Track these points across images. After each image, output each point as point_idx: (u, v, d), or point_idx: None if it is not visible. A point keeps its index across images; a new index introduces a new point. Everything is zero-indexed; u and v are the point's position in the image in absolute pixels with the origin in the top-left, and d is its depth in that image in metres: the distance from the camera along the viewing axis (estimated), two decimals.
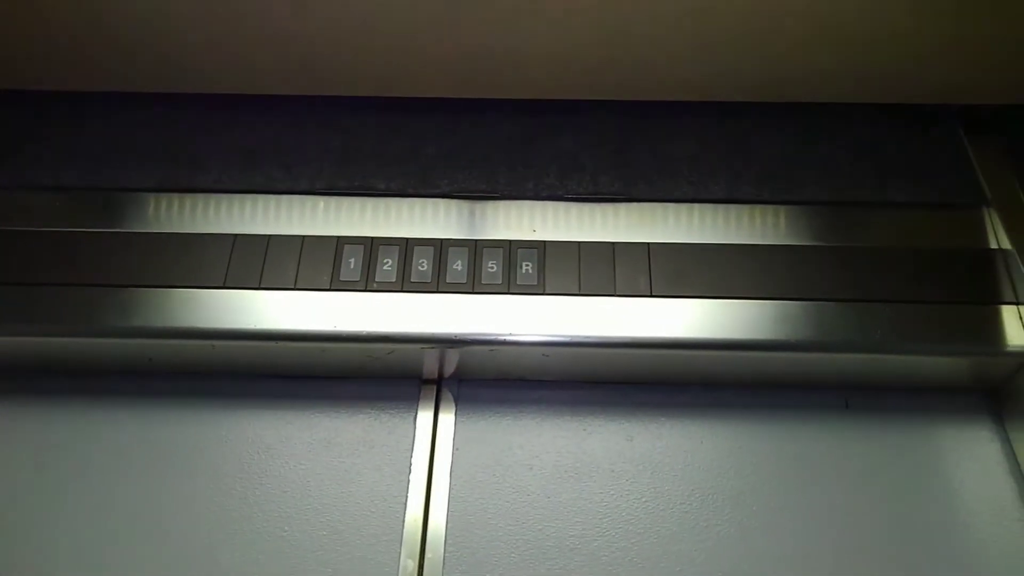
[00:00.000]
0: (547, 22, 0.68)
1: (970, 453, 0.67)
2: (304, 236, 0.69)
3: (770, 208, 0.72)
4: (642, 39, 0.70)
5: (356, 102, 0.76)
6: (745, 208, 0.71)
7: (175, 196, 0.72)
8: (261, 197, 0.72)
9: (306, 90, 0.75)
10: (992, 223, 0.70)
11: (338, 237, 0.69)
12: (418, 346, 0.66)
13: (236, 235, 0.69)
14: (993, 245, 0.69)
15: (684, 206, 0.71)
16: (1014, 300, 0.66)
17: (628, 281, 0.67)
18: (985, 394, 0.69)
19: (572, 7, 0.67)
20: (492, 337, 0.65)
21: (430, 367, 0.69)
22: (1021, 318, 0.65)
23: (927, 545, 0.63)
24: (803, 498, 0.65)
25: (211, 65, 0.73)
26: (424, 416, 0.69)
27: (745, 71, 0.73)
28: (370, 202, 0.72)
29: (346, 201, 0.72)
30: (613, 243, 0.69)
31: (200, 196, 0.72)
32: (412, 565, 0.62)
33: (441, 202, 0.72)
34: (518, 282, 0.67)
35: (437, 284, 0.67)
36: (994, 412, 0.68)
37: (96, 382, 0.70)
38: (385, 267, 0.68)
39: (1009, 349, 0.65)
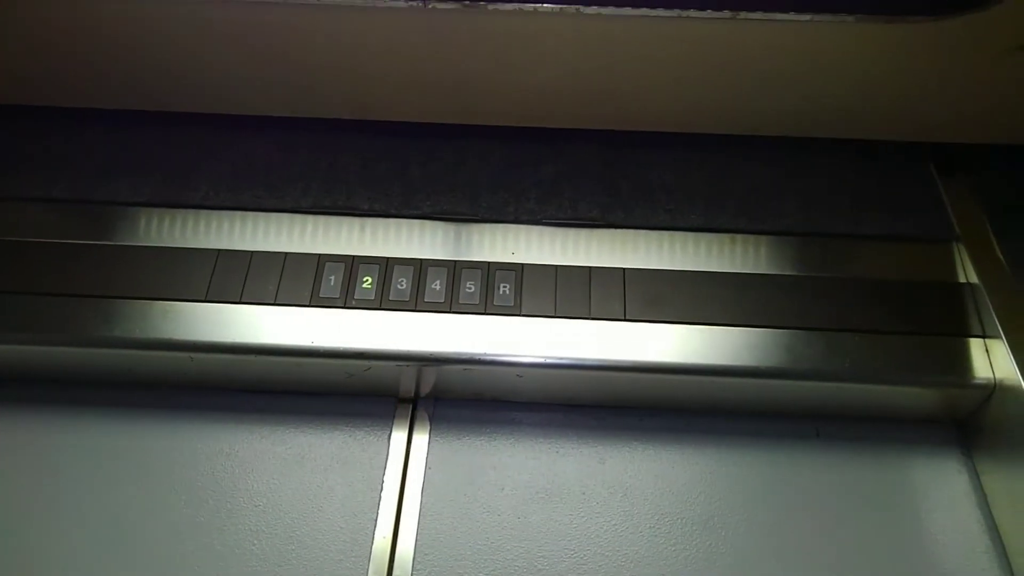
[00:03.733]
0: (533, 54, 0.71)
1: (938, 484, 0.67)
2: (287, 253, 0.71)
3: (746, 238, 0.73)
4: (624, 73, 0.72)
5: (343, 125, 0.78)
6: (722, 237, 0.73)
7: (162, 211, 0.73)
8: (247, 214, 0.74)
9: (295, 112, 0.77)
10: (961, 258, 0.72)
11: (320, 255, 0.71)
12: (394, 363, 0.67)
13: (220, 250, 0.71)
14: (962, 279, 0.70)
15: (660, 233, 0.73)
16: (981, 333, 0.67)
17: (603, 305, 0.68)
18: (954, 426, 0.70)
19: (557, 40, 0.69)
20: (468, 356, 0.66)
21: (406, 386, 0.70)
22: (987, 351, 0.66)
23: (895, 574, 0.63)
24: (772, 524, 0.65)
25: (202, 86, 0.75)
26: (398, 434, 0.69)
27: (723, 105, 0.75)
28: (352, 222, 0.73)
29: (329, 220, 0.73)
30: (590, 267, 0.70)
31: (187, 212, 0.73)
32: None
33: (424, 224, 0.74)
34: (495, 303, 0.68)
35: (415, 303, 0.68)
36: (962, 444, 0.69)
37: (75, 392, 0.70)
38: (364, 285, 0.69)
39: (976, 381, 0.65)
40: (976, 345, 0.67)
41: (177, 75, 0.74)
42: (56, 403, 0.70)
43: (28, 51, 0.72)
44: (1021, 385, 0.63)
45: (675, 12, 0.65)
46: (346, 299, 0.68)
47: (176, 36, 0.70)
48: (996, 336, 0.66)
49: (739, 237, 0.73)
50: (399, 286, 0.69)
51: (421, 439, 0.69)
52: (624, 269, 0.70)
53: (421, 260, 0.71)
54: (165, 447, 0.68)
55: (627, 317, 0.68)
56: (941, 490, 0.67)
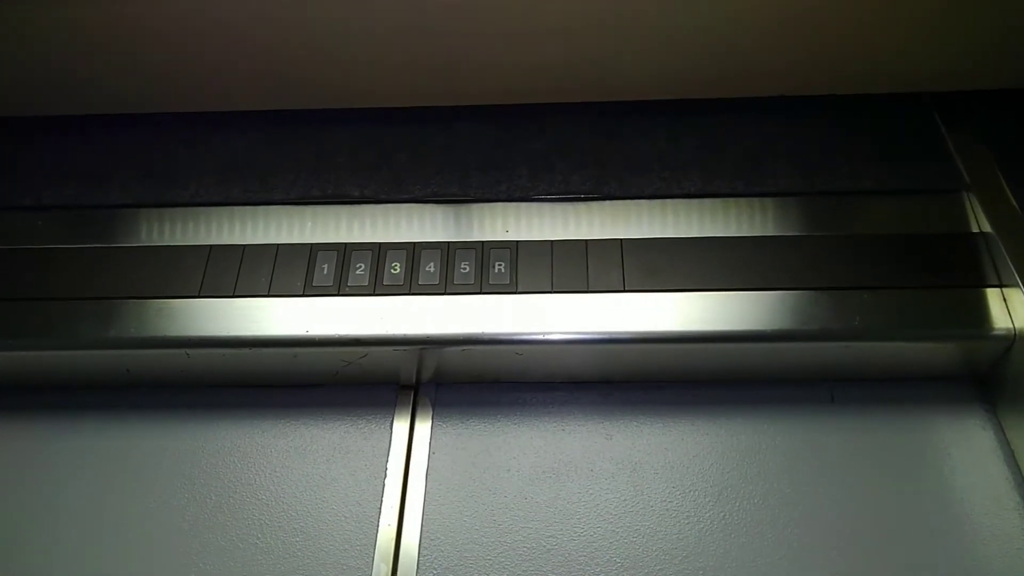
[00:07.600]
0: (514, 29, 0.69)
1: (962, 443, 0.65)
2: (279, 244, 0.70)
3: (745, 200, 0.71)
4: (609, 40, 0.70)
5: (329, 114, 0.77)
6: (719, 201, 0.71)
7: (153, 211, 0.73)
8: (237, 209, 0.73)
9: (280, 104, 0.77)
10: (972, 207, 0.69)
11: (311, 244, 0.70)
12: (391, 348, 0.66)
13: (212, 246, 0.70)
14: (974, 229, 0.68)
15: (656, 202, 0.71)
16: (997, 283, 0.64)
17: (601, 277, 0.67)
18: (974, 381, 0.67)
19: (538, 12, 0.68)
20: (465, 336, 0.65)
21: (406, 372, 0.69)
22: (1005, 301, 0.64)
23: (921, 539, 0.60)
24: (789, 494, 0.63)
25: (186, 83, 0.74)
26: (400, 421, 0.68)
27: (715, 66, 0.73)
28: (344, 209, 0.72)
29: (321, 210, 0.72)
30: (586, 240, 0.69)
31: (177, 210, 0.73)
32: (385, 569, 0.61)
33: (416, 207, 0.72)
34: (491, 282, 0.67)
35: (410, 287, 0.67)
36: (985, 399, 0.66)
37: (74, 395, 0.70)
38: (358, 271, 0.68)
39: (995, 332, 0.63)
40: (993, 295, 0.64)
41: (160, 75, 0.74)
42: (55, 407, 0.70)
43: (8, 60, 0.72)
44: None
45: None
46: (340, 287, 0.67)
47: (158, 35, 0.70)
48: (1013, 284, 0.63)
49: (737, 200, 0.71)
50: (392, 271, 0.68)
51: (424, 425, 0.68)
52: (621, 240, 0.69)
53: (414, 244, 0.70)
54: (165, 446, 0.67)
55: (627, 288, 0.66)
56: (965, 449, 0.64)
